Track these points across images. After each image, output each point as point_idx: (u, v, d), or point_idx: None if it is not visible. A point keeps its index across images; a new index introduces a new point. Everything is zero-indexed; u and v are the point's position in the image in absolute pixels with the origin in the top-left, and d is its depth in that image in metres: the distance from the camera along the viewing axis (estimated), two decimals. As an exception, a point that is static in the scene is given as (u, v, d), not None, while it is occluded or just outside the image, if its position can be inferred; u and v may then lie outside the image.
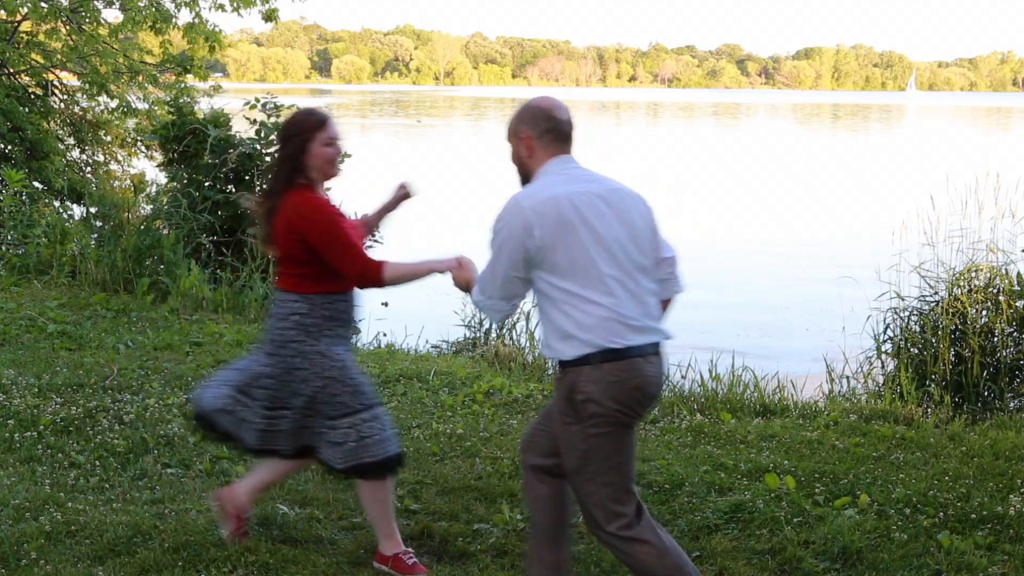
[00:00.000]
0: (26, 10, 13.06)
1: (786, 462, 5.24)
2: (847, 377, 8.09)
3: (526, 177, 3.50)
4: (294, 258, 3.85)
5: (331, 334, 3.90)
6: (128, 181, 14.50)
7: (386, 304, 10.93)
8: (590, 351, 3.24)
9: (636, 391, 3.26)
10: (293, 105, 11.18)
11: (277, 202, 3.86)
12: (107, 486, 4.77)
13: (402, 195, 4.26)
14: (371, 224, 4.37)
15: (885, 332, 8.15)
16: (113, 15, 14.87)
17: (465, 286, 3.74)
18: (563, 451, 3.37)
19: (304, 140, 3.85)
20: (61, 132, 14.59)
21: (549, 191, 3.32)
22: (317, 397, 3.86)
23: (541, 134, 3.42)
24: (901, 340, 7.94)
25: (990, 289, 7.74)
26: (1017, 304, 7.63)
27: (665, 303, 3.53)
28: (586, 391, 3.24)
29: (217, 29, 14.35)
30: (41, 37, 14.06)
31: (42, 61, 14.15)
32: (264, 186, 3.95)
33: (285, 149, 3.89)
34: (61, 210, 12.71)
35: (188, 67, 14.57)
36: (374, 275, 3.82)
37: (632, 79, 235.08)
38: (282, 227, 3.83)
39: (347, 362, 3.91)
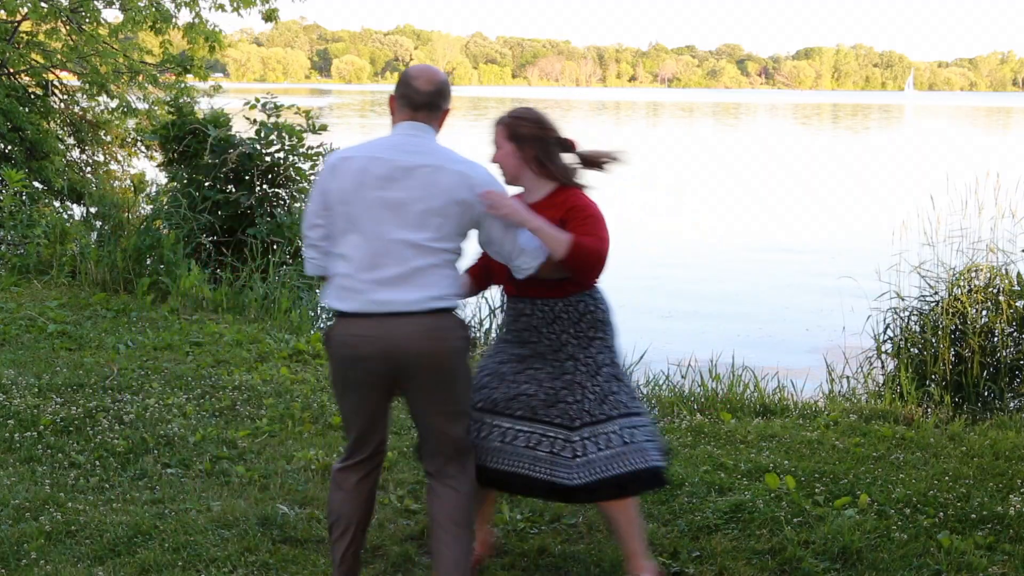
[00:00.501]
0: (26, 10, 13.05)
1: (786, 462, 5.24)
2: (847, 377, 8.09)
3: None
4: None
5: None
6: (128, 181, 14.50)
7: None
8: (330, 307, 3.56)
9: (346, 349, 3.48)
10: (293, 105, 11.21)
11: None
12: (107, 486, 4.77)
13: None
14: None
15: (885, 332, 8.15)
16: (113, 15, 14.89)
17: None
18: None
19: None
20: (61, 132, 14.59)
21: (358, 150, 3.51)
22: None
23: (398, 97, 3.57)
24: (901, 340, 7.94)
25: (990, 289, 7.74)
26: (1017, 304, 7.63)
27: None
28: (327, 339, 3.56)
29: (217, 29, 14.36)
30: (41, 37, 14.06)
31: (42, 61, 14.14)
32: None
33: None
34: (61, 210, 12.72)
35: (188, 67, 14.57)
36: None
37: (632, 79, 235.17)
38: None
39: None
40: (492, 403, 3.73)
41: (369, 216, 3.41)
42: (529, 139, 3.73)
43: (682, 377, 7.65)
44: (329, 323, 10.00)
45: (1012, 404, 7.26)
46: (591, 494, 3.64)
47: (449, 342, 3.45)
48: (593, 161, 3.85)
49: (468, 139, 44.98)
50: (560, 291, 3.67)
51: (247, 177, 10.39)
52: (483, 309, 9.57)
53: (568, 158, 3.82)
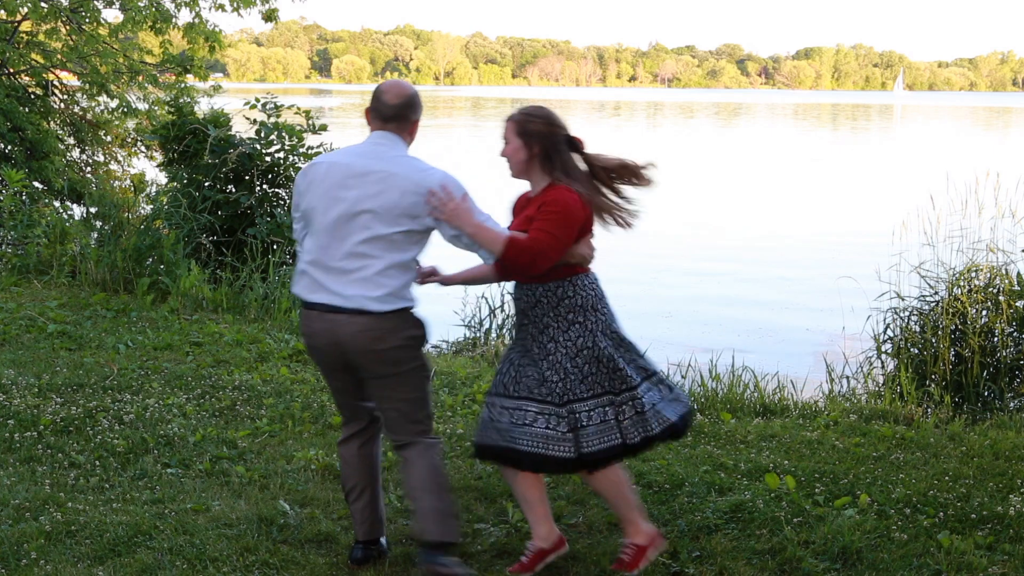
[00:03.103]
0: (26, 10, 13.05)
1: (786, 462, 5.24)
2: (847, 377, 8.09)
3: None
4: None
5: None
6: (128, 181, 14.49)
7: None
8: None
9: (306, 338, 3.86)
10: (293, 105, 11.20)
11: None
12: (107, 486, 4.77)
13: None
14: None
15: (885, 332, 8.15)
16: (113, 15, 14.90)
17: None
18: None
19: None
20: (61, 132, 14.58)
21: (327, 156, 3.87)
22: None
23: (371, 110, 3.85)
24: (901, 340, 7.94)
25: (990, 289, 7.74)
26: (1017, 304, 7.62)
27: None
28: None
29: (217, 29, 14.35)
30: (41, 37, 14.06)
31: (42, 61, 14.14)
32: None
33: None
34: (61, 210, 12.70)
35: (188, 67, 14.56)
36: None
37: (632, 79, 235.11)
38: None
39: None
40: (502, 387, 3.94)
41: (323, 215, 3.73)
42: (537, 136, 3.88)
43: (682, 377, 7.65)
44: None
45: (1012, 404, 7.25)
46: (584, 465, 3.85)
47: (386, 342, 3.70)
48: (620, 173, 4.00)
49: (468, 139, 44.99)
50: (541, 277, 3.84)
51: (247, 177, 10.38)
52: (483, 309, 9.57)
53: (600, 171, 3.98)
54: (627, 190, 4.01)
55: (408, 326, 3.78)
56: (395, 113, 3.80)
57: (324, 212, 3.72)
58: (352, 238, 3.68)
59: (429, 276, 4.05)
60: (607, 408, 3.83)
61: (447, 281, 4.12)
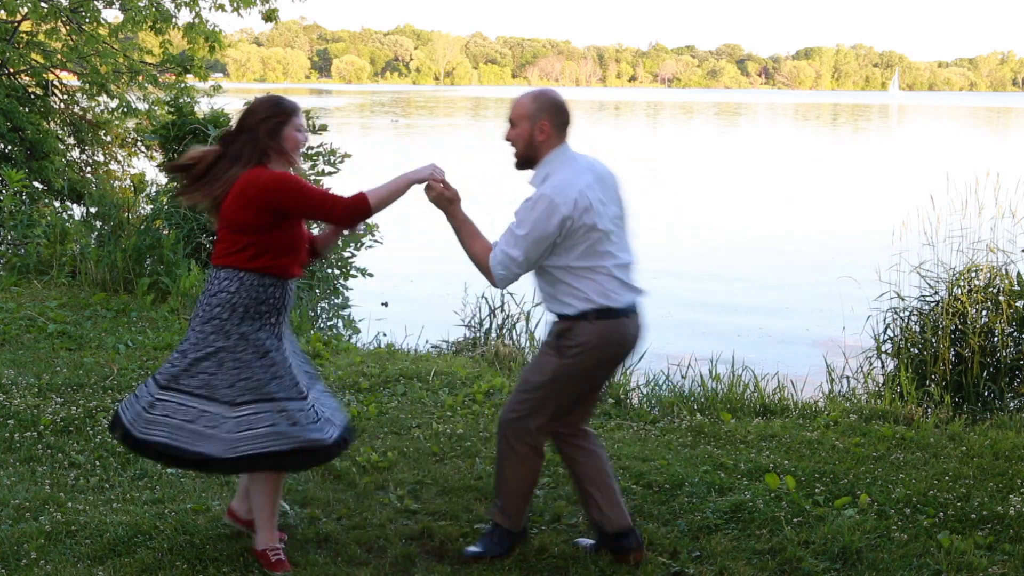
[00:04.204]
0: (26, 10, 13.05)
1: (786, 462, 5.24)
2: (847, 377, 8.09)
3: (529, 158, 3.96)
4: (241, 228, 3.84)
5: (255, 317, 3.88)
6: (128, 181, 14.48)
7: (386, 304, 10.94)
8: None
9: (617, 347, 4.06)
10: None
11: (237, 174, 3.88)
12: (107, 486, 4.77)
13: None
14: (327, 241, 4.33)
15: (885, 332, 8.15)
16: (113, 15, 14.87)
17: (436, 201, 4.00)
18: None
19: (279, 123, 3.92)
20: (61, 132, 14.57)
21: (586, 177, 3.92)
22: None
23: (557, 124, 3.93)
24: (901, 340, 7.94)
25: (990, 289, 7.74)
26: (1017, 304, 7.62)
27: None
28: None
29: (217, 29, 14.34)
30: (41, 37, 14.05)
31: (42, 61, 14.13)
32: (223, 156, 3.94)
33: (260, 127, 3.92)
34: (61, 210, 12.70)
35: (188, 67, 14.56)
36: (363, 205, 3.90)
37: (632, 79, 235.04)
38: (235, 199, 3.85)
39: (268, 348, 3.88)
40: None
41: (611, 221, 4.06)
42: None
43: (682, 377, 7.65)
44: (329, 323, 10.00)
45: (1012, 404, 7.26)
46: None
47: None
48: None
49: (467, 139, 44.98)
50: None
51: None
52: (483, 309, 9.57)
53: None
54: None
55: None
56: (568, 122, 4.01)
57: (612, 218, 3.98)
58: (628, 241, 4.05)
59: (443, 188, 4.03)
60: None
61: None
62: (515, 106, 3.95)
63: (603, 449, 4.20)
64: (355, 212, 3.90)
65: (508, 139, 3.98)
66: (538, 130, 3.89)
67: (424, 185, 4.00)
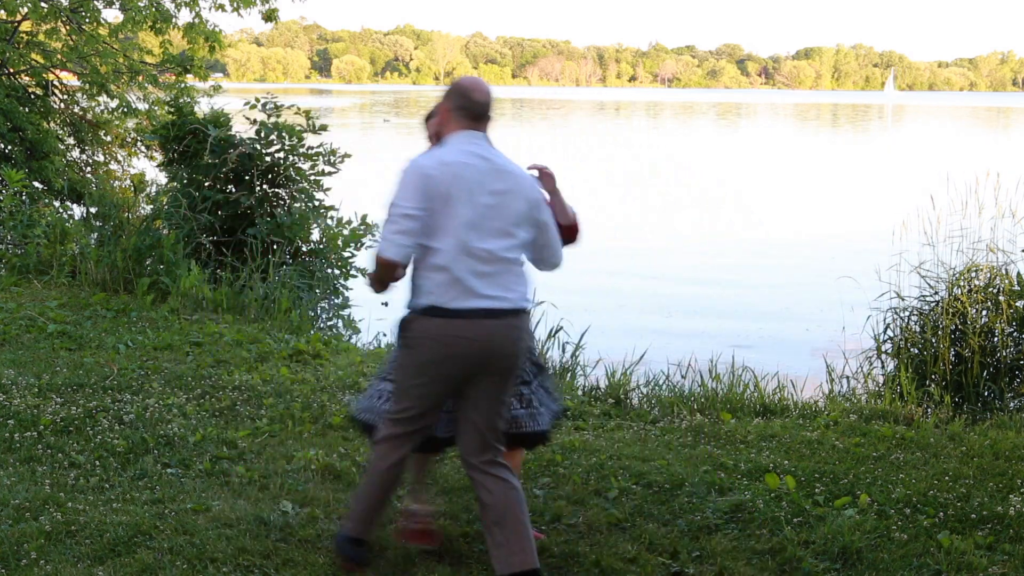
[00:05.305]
0: (26, 10, 13.05)
1: (786, 462, 5.24)
2: (847, 377, 8.08)
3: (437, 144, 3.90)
4: None
5: None
6: (128, 181, 14.48)
7: (386, 304, 10.93)
8: None
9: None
10: (293, 105, 11.20)
11: None
12: (107, 486, 4.76)
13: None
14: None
15: (885, 332, 8.14)
16: (113, 15, 14.88)
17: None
18: None
19: None
20: (61, 132, 14.58)
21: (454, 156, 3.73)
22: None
23: (457, 108, 3.77)
24: (901, 340, 7.94)
25: (990, 289, 7.74)
26: (1017, 304, 7.62)
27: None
28: None
29: (217, 29, 14.35)
30: (41, 37, 14.06)
31: (42, 61, 14.14)
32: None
33: None
34: (61, 210, 12.70)
35: (188, 67, 14.56)
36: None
37: (632, 79, 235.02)
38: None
39: None
40: None
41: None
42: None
43: (682, 377, 7.65)
44: (329, 323, 10.00)
45: (1012, 404, 7.25)
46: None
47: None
48: None
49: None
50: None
51: (247, 177, 10.38)
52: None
53: None
54: None
55: None
56: (485, 111, 3.77)
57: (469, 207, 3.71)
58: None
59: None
60: None
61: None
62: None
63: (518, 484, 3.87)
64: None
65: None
66: (441, 114, 3.84)
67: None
